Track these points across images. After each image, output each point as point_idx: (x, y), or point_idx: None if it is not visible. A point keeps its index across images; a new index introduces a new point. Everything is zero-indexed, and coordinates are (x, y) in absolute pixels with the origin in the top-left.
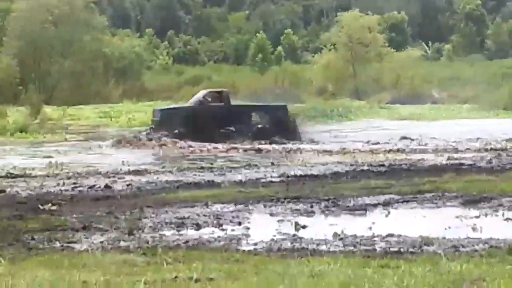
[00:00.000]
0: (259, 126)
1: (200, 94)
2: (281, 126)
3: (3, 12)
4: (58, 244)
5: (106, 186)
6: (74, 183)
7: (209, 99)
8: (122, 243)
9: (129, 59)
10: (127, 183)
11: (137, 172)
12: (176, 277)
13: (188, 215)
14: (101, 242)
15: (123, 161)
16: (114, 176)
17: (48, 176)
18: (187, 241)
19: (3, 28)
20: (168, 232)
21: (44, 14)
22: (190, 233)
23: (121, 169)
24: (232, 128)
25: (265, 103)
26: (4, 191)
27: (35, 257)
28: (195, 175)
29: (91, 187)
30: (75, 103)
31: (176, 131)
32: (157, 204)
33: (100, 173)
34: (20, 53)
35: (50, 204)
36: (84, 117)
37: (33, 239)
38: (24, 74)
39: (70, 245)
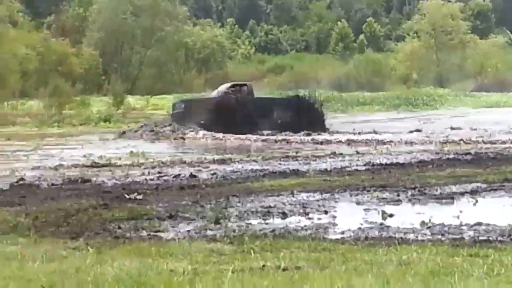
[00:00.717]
0: (282, 118)
1: (224, 86)
2: (306, 118)
3: (85, 4)
4: (144, 233)
5: (191, 175)
6: (159, 172)
7: (233, 92)
8: (208, 232)
9: (211, 49)
10: (212, 172)
11: (221, 161)
12: (263, 265)
13: (274, 204)
14: (188, 231)
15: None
16: (199, 166)
17: (133, 166)
18: (273, 230)
19: (86, 19)
20: (254, 221)
21: (126, 5)
22: (277, 222)
23: (205, 158)
24: (256, 121)
25: (289, 96)
26: (90, 181)
27: (122, 246)
28: (280, 164)
29: (176, 176)
30: (158, 92)
31: (201, 122)
32: (242, 193)
33: (185, 162)
34: (102, 43)
35: (135, 193)
36: (166, 106)
37: (119, 228)
38: (106, 65)
39: (157, 234)
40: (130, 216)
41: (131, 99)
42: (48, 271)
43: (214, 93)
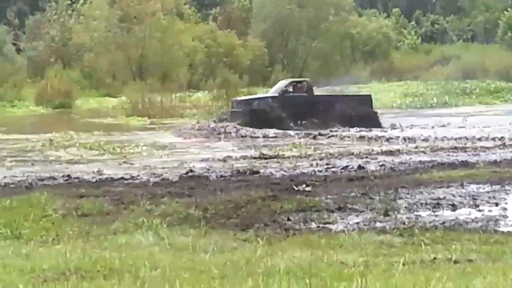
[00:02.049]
0: (342, 115)
1: (282, 83)
2: (364, 116)
3: None
4: (314, 225)
5: (359, 167)
6: (327, 164)
7: (291, 89)
8: (378, 224)
9: (377, 40)
10: (380, 163)
11: (389, 153)
12: (435, 258)
13: (443, 195)
14: (357, 223)
15: None
16: (366, 157)
17: (300, 157)
18: (443, 222)
19: (251, 10)
20: (423, 213)
21: None
22: (446, 213)
23: (372, 150)
24: (314, 119)
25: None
26: (259, 172)
27: (291, 237)
28: (448, 155)
29: (344, 168)
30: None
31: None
32: (411, 185)
33: (352, 153)
34: (268, 35)
35: (304, 185)
36: None
37: (288, 219)
38: (272, 56)
39: (326, 226)
40: (299, 208)
41: None
42: (219, 262)
43: (272, 91)
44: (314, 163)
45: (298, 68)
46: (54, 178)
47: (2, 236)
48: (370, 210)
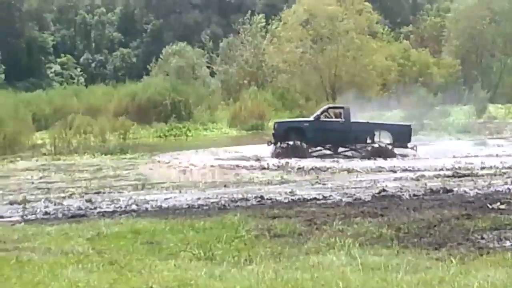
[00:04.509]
0: (377, 145)
1: (322, 109)
2: (401, 146)
3: (442, 12)
4: (508, 243)
5: None
6: None
7: (331, 115)
8: None
9: None
10: None
11: None
12: None
13: None
14: None
15: None
16: None
17: (495, 175)
18: None
19: (443, 28)
20: None
21: (484, 11)
22: None
23: None
24: (351, 146)
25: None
26: (452, 190)
27: (485, 256)
28: None
29: None
30: None
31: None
32: None
33: None
34: (461, 52)
35: (498, 203)
36: None
37: (482, 238)
38: (466, 73)
39: None
40: (493, 226)
41: (491, 108)
42: (412, 282)
43: (313, 116)
44: (509, 180)
45: (494, 85)
46: (247, 199)
47: (196, 257)
48: None
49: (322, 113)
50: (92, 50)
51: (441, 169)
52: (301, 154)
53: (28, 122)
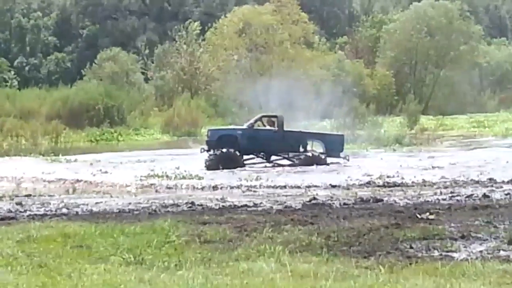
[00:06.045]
0: (309, 153)
1: (253, 118)
2: (334, 156)
3: (378, 24)
4: (436, 253)
5: (484, 196)
6: (452, 192)
7: (264, 123)
8: (502, 253)
9: (505, 69)
10: (506, 192)
11: None
12: None
13: None
14: (480, 251)
15: None
16: (491, 185)
17: (425, 186)
18: None
19: (379, 40)
20: None
21: (420, 24)
22: None
23: (495, 179)
24: (284, 154)
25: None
26: (382, 200)
27: (414, 265)
28: None
29: (468, 196)
30: (450, 112)
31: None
32: None
33: (477, 182)
34: (395, 64)
35: (427, 213)
36: (457, 126)
37: (411, 247)
38: (399, 85)
39: (449, 254)
40: (422, 235)
41: (423, 120)
42: None
43: (246, 124)
44: (439, 191)
45: (426, 97)
46: (177, 205)
47: (125, 261)
48: (494, 238)
49: (255, 121)
50: (27, 53)
51: (371, 180)
52: (234, 162)
53: None
